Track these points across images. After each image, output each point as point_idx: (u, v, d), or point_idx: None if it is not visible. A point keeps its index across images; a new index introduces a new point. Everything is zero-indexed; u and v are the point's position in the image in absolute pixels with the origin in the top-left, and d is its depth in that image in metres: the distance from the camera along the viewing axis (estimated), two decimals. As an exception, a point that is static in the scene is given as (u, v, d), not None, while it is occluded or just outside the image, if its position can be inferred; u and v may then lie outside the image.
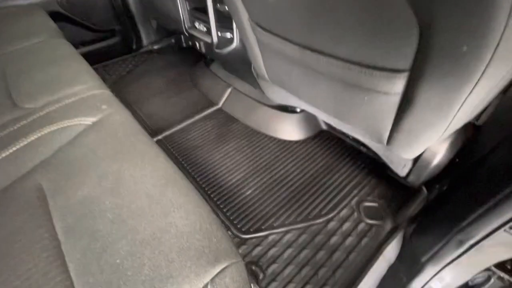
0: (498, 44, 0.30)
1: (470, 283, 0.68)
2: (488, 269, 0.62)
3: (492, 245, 0.52)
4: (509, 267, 0.62)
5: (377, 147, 0.67)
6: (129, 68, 1.42)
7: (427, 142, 0.49)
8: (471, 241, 0.53)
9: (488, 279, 0.70)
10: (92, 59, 1.37)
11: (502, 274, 0.62)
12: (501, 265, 0.61)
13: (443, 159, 0.55)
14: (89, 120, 0.53)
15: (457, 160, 0.58)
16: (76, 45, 1.27)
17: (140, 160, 0.44)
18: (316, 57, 0.53)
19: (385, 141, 0.57)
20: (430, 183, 0.69)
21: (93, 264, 0.32)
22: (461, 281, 0.63)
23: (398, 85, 0.43)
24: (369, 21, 0.39)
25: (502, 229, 0.47)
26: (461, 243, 0.55)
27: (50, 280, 0.32)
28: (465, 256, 0.55)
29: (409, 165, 0.61)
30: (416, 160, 0.59)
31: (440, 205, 0.63)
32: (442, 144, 0.55)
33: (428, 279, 0.63)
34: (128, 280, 0.30)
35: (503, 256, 0.56)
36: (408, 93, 0.43)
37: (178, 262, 0.31)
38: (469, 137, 0.57)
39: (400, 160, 0.61)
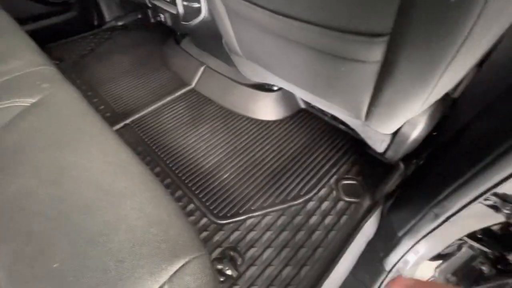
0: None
1: (442, 253, 0.70)
2: (460, 239, 0.63)
3: (465, 217, 0.52)
4: (479, 235, 0.63)
5: (355, 124, 0.64)
6: (91, 47, 1.28)
7: (406, 115, 0.46)
8: (447, 214, 0.52)
9: (459, 248, 0.72)
10: (46, 36, 1.22)
11: (473, 243, 0.64)
12: (472, 235, 0.62)
13: (421, 132, 0.53)
14: (27, 101, 0.45)
15: (434, 133, 0.57)
16: (25, 20, 1.11)
17: (87, 145, 0.37)
18: (288, 23, 0.47)
19: (363, 117, 0.54)
20: (407, 158, 0.68)
21: (26, 270, 0.27)
22: (435, 252, 0.64)
23: (377, 51, 0.39)
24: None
25: (477, 201, 0.47)
26: (436, 216, 0.55)
27: (-27, 292, 0.26)
28: (440, 228, 0.55)
29: (387, 141, 0.59)
30: (394, 135, 0.56)
31: (416, 180, 0.63)
32: (420, 117, 0.52)
33: (404, 252, 0.64)
34: (69, 287, 0.25)
35: (475, 227, 0.57)
36: (387, 61, 0.39)
37: (129, 261, 0.26)
38: (446, 110, 0.55)
39: (378, 135, 0.59)
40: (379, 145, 0.63)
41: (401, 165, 0.76)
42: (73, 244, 0.28)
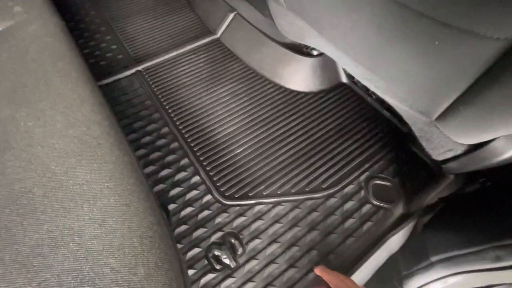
0: None
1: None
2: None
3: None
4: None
5: (414, 118, 0.48)
6: (111, -28, 1.10)
7: (507, 130, 0.30)
8: (515, 262, 0.40)
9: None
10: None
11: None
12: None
13: (516, 155, 0.37)
14: (-11, 28, 0.33)
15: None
16: None
17: (50, 106, 0.26)
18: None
19: (435, 115, 0.38)
20: (468, 174, 0.53)
21: None
22: (471, 287, 0.53)
23: (489, 53, 0.22)
24: None
25: None
26: (498, 259, 0.42)
27: None
28: (498, 272, 0.43)
29: (457, 151, 0.44)
30: (474, 147, 0.41)
31: (477, 204, 0.49)
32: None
33: (432, 279, 0.53)
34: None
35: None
36: (497, 66, 0.23)
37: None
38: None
39: (446, 142, 0.43)
40: (440, 153, 0.47)
41: (451, 176, 0.61)
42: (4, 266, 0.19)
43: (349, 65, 0.53)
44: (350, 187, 0.64)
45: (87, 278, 0.18)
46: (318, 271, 0.47)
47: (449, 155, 0.46)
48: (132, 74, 0.81)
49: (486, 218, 0.46)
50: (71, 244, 0.19)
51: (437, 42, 0.29)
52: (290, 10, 0.57)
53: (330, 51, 0.57)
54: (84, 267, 0.18)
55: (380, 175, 0.65)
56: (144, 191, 0.23)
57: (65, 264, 0.18)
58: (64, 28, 0.36)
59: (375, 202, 0.62)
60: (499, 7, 0.22)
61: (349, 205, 0.62)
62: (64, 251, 0.19)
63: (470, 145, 0.41)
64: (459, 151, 0.43)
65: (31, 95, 0.27)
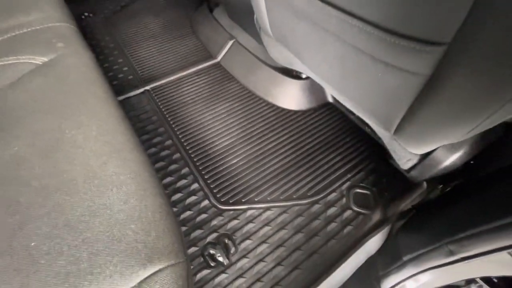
0: None
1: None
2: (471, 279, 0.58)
3: (485, 261, 0.46)
4: (495, 280, 0.57)
5: (382, 133, 0.57)
6: (125, 3, 1.25)
7: (444, 140, 0.39)
8: (464, 254, 0.47)
9: (467, 283, 0.66)
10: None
11: (485, 286, 0.58)
12: (487, 278, 0.56)
13: (456, 161, 0.45)
14: (39, 60, 0.43)
15: (471, 162, 0.49)
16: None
17: (87, 118, 0.35)
18: (327, 12, 0.40)
19: (392, 130, 0.47)
20: (433, 180, 0.61)
21: (4, 243, 0.26)
22: (438, 285, 0.59)
23: (428, 63, 0.31)
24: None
25: (505, 251, 0.41)
26: (451, 253, 0.49)
27: (-44, 252, 0.27)
28: (452, 265, 0.50)
29: (414, 160, 0.52)
30: (424, 156, 0.49)
31: (438, 207, 0.56)
32: (460, 143, 0.45)
33: (404, 278, 0.59)
34: (39, 269, 0.25)
35: (494, 273, 0.50)
36: (437, 75, 0.32)
37: (103, 256, 0.25)
38: (497, 138, 0.46)
39: (405, 152, 0.52)
40: (403, 162, 0.56)
41: (424, 185, 0.69)
42: (52, 225, 0.27)
43: (327, 88, 0.63)
44: (333, 195, 0.71)
45: (116, 237, 0.26)
46: None
47: (410, 164, 0.54)
48: (141, 92, 0.92)
49: (444, 219, 0.53)
50: (104, 215, 0.27)
51: (380, 74, 0.38)
52: (278, 41, 0.67)
53: (313, 76, 0.67)
54: (113, 229, 0.26)
55: (361, 184, 0.73)
56: (155, 181, 0.32)
57: (100, 227, 0.27)
58: (94, 59, 0.47)
59: (355, 209, 0.69)
60: (413, 51, 0.32)
61: (331, 211, 0.69)
62: (100, 219, 0.27)
63: (421, 154, 0.50)
64: (415, 160, 0.52)
65: (73, 111, 0.36)
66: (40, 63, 0.42)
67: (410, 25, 0.30)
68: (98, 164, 0.31)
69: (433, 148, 0.44)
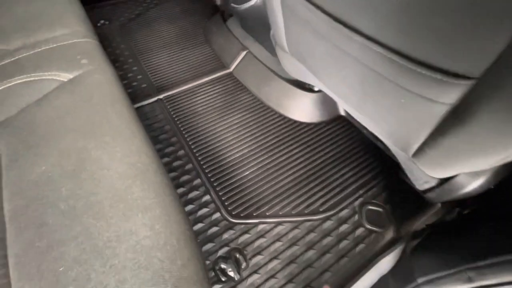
0: None
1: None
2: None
3: (506, 290, 0.45)
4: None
5: (398, 153, 0.57)
6: (139, 11, 1.27)
7: (467, 169, 0.39)
8: (484, 283, 0.46)
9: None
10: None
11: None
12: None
13: (478, 189, 0.45)
14: (64, 76, 0.44)
15: (492, 186, 0.48)
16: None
17: (112, 139, 0.36)
18: (349, 36, 0.40)
19: (410, 153, 0.47)
20: (450, 202, 0.60)
21: (33, 266, 0.27)
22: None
23: (454, 94, 0.31)
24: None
25: (529, 282, 0.40)
26: (470, 280, 0.48)
27: (-14, 273, 0.27)
28: (470, 292, 0.49)
29: (432, 183, 0.52)
30: (443, 180, 0.49)
31: (456, 230, 0.55)
32: (484, 171, 0.44)
33: (419, 300, 0.59)
34: (68, 296, 0.25)
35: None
36: (463, 106, 0.32)
37: (130, 284, 0.25)
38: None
39: (423, 174, 0.52)
40: (420, 184, 0.55)
41: (439, 205, 0.68)
42: (79, 250, 0.27)
43: (343, 104, 0.63)
44: (345, 211, 0.71)
45: (143, 265, 0.26)
46: None
47: (426, 186, 0.54)
48: (154, 101, 0.93)
49: (462, 243, 0.52)
50: (131, 241, 0.28)
51: (403, 100, 0.38)
52: (293, 56, 0.68)
53: (328, 92, 0.67)
54: (140, 257, 0.27)
55: (374, 201, 0.73)
56: (179, 206, 0.32)
57: (127, 254, 0.27)
58: (116, 76, 0.48)
59: (368, 226, 0.68)
60: (439, 82, 0.32)
61: (344, 227, 0.69)
62: (126, 246, 0.27)
63: (440, 178, 0.49)
64: (433, 183, 0.51)
65: (98, 130, 0.37)
66: (66, 80, 0.43)
67: (439, 57, 0.30)
68: (124, 187, 0.31)
69: (454, 174, 0.44)
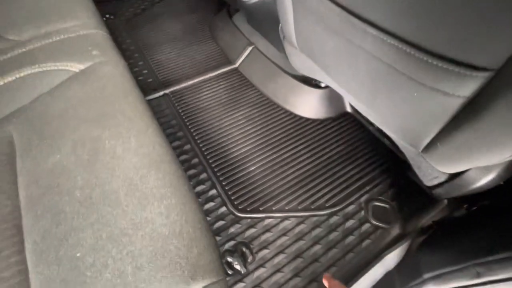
0: None
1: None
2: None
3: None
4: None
5: (407, 149, 0.57)
6: (145, 6, 1.27)
7: (479, 163, 0.39)
8: (492, 278, 0.46)
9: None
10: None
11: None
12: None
13: (489, 183, 0.45)
14: (76, 67, 0.44)
15: (502, 183, 0.48)
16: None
17: (126, 129, 0.36)
18: (363, 29, 0.40)
19: (420, 148, 0.47)
20: (457, 198, 0.60)
21: (51, 252, 0.27)
22: (460, 304, 0.58)
23: (470, 87, 0.31)
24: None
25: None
26: (478, 275, 0.48)
27: (4, 259, 0.28)
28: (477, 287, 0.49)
29: (441, 178, 0.52)
30: (453, 176, 0.49)
31: (464, 226, 0.55)
32: (495, 165, 0.44)
33: (425, 295, 0.59)
34: (86, 282, 0.25)
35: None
36: (478, 99, 0.32)
37: (147, 271, 0.26)
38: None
39: (432, 170, 0.52)
40: (428, 179, 0.55)
41: (445, 201, 0.68)
42: (96, 237, 0.27)
43: (351, 100, 0.62)
44: (351, 207, 0.71)
45: (159, 252, 0.26)
46: (325, 278, 0.50)
47: (436, 181, 0.54)
48: (160, 96, 0.93)
49: (470, 239, 0.52)
50: (147, 229, 0.28)
51: (415, 94, 0.38)
52: (302, 52, 0.68)
53: (336, 87, 0.67)
54: (157, 244, 0.27)
55: (380, 197, 0.73)
56: (193, 196, 0.32)
57: (143, 242, 0.27)
58: (128, 68, 0.48)
59: (374, 222, 0.69)
60: (456, 75, 0.32)
61: (350, 223, 0.69)
62: (142, 233, 0.28)
63: (450, 174, 0.49)
64: (442, 178, 0.51)
65: (112, 121, 0.37)
66: (77, 71, 0.43)
67: (456, 48, 0.30)
68: (138, 177, 0.31)
69: (465, 169, 0.44)
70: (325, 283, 0.51)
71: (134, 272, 0.25)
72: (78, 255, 0.26)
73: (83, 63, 0.45)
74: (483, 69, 0.29)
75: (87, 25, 0.52)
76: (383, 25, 0.37)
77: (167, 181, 0.32)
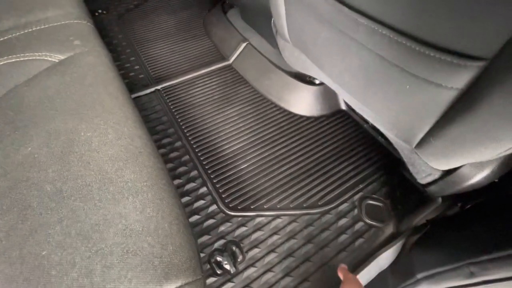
0: None
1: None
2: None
3: (511, 286, 0.44)
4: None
5: (400, 145, 0.56)
6: (138, 2, 1.25)
7: (473, 159, 0.37)
8: (486, 278, 0.44)
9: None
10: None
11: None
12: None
13: (483, 180, 0.43)
14: (55, 57, 0.42)
15: (496, 180, 0.47)
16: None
17: (103, 121, 0.34)
18: (355, 19, 0.38)
19: (414, 144, 0.45)
20: (451, 196, 0.58)
21: (14, 250, 0.25)
22: (454, 305, 0.56)
23: (463, 77, 0.30)
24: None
25: (534, 277, 0.38)
26: (472, 275, 0.47)
27: (-35, 256, 0.25)
28: (471, 286, 0.48)
29: (435, 175, 0.50)
30: (447, 172, 0.48)
31: (457, 225, 0.54)
32: (488, 162, 0.43)
33: (419, 296, 0.57)
34: (50, 281, 0.23)
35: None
36: (472, 91, 0.30)
37: (117, 270, 0.24)
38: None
39: (425, 167, 0.50)
40: (422, 177, 0.54)
41: (439, 200, 0.66)
42: (64, 233, 0.26)
43: (345, 96, 0.61)
44: (345, 205, 0.69)
45: (131, 249, 0.25)
46: (340, 270, 0.48)
47: (429, 179, 0.52)
48: (152, 92, 0.91)
49: (464, 238, 0.51)
50: (119, 225, 0.26)
51: (408, 87, 0.37)
52: (295, 47, 0.66)
53: (329, 83, 0.65)
54: (129, 241, 0.25)
55: (373, 196, 0.71)
56: (172, 190, 0.30)
57: (115, 238, 0.25)
58: (111, 59, 0.46)
59: (367, 221, 0.67)
60: (449, 65, 0.30)
61: (343, 222, 0.67)
62: (115, 229, 0.26)
63: (444, 170, 0.48)
64: (436, 175, 0.50)
65: (89, 112, 0.35)
66: (57, 61, 0.41)
67: (450, 37, 0.29)
68: (114, 170, 0.30)
69: (459, 165, 0.42)
70: (340, 275, 0.49)
71: (103, 271, 0.24)
72: (43, 253, 0.25)
73: (64, 53, 0.43)
74: (477, 58, 0.28)
75: (69, 15, 0.49)
76: (374, 14, 0.35)
77: (144, 174, 0.30)
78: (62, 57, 0.42)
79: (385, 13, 0.34)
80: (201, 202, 0.69)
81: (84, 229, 0.26)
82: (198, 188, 0.71)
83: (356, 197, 0.71)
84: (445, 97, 0.33)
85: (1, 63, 0.41)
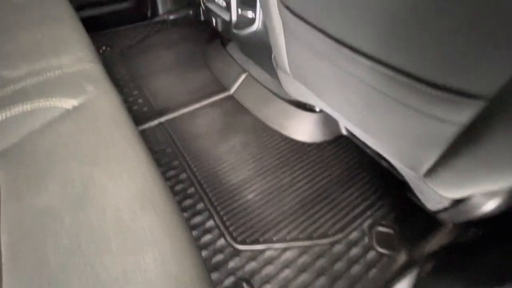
0: None
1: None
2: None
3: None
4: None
5: (407, 173, 0.56)
6: (140, 38, 1.30)
7: (484, 188, 0.38)
8: (509, 309, 0.43)
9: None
10: (102, 23, 1.26)
11: None
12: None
13: (496, 209, 0.44)
14: (69, 103, 0.44)
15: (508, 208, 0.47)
16: (82, 6, 1.16)
17: (117, 165, 0.35)
18: (353, 58, 0.41)
19: (421, 173, 0.46)
20: (464, 222, 0.58)
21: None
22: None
23: (466, 114, 0.31)
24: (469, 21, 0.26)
25: None
26: (493, 306, 0.46)
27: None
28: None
29: (445, 203, 0.51)
30: (457, 201, 0.48)
31: (472, 253, 0.53)
32: (502, 191, 0.43)
33: (440, 329, 0.55)
34: None
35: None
36: (476, 125, 0.32)
37: (139, 329, 0.23)
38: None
39: (435, 195, 0.51)
40: (432, 204, 0.54)
41: (450, 225, 0.66)
42: (83, 290, 0.25)
43: (346, 124, 0.62)
44: (355, 233, 0.69)
45: (153, 305, 0.24)
46: None
47: (440, 206, 0.52)
48: (155, 125, 0.93)
49: (480, 266, 0.50)
50: (140, 279, 0.25)
51: (410, 119, 0.38)
52: (295, 79, 0.69)
53: (330, 112, 0.67)
54: (150, 296, 0.25)
55: (383, 222, 0.71)
56: (190, 237, 0.30)
57: (135, 293, 0.25)
58: (121, 99, 0.47)
59: (379, 249, 0.66)
60: (450, 102, 0.32)
61: (354, 251, 0.66)
62: (135, 285, 0.25)
63: (454, 199, 0.48)
64: (446, 204, 0.50)
65: (103, 156, 0.36)
66: (71, 107, 0.43)
67: (448, 76, 0.30)
68: (130, 217, 0.29)
69: (465, 195, 0.43)
70: None
71: (124, 331, 0.23)
72: (61, 312, 0.24)
73: (77, 99, 0.44)
74: (477, 96, 0.29)
75: (81, 60, 0.52)
76: (373, 54, 0.38)
77: (161, 221, 0.30)
78: (75, 102, 0.43)
79: (384, 53, 0.36)
80: (209, 236, 0.67)
81: (104, 285, 0.25)
82: (205, 222, 0.70)
83: (366, 224, 0.70)
84: (449, 130, 0.35)
85: (16, 111, 0.42)
